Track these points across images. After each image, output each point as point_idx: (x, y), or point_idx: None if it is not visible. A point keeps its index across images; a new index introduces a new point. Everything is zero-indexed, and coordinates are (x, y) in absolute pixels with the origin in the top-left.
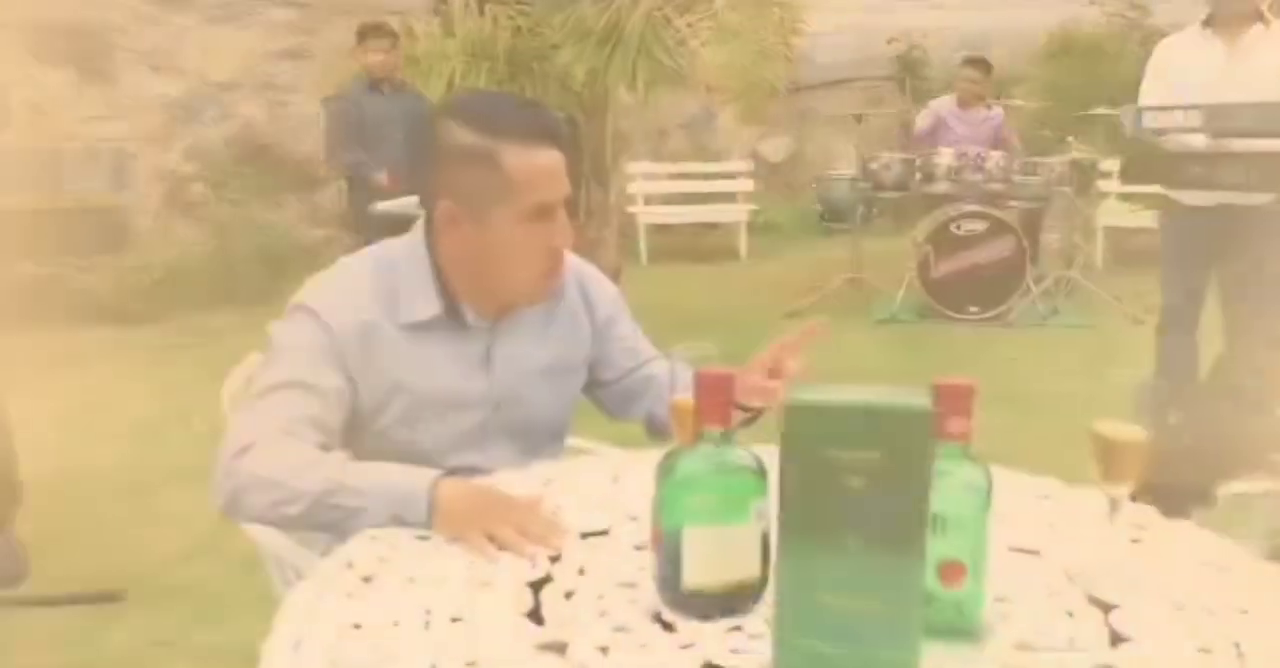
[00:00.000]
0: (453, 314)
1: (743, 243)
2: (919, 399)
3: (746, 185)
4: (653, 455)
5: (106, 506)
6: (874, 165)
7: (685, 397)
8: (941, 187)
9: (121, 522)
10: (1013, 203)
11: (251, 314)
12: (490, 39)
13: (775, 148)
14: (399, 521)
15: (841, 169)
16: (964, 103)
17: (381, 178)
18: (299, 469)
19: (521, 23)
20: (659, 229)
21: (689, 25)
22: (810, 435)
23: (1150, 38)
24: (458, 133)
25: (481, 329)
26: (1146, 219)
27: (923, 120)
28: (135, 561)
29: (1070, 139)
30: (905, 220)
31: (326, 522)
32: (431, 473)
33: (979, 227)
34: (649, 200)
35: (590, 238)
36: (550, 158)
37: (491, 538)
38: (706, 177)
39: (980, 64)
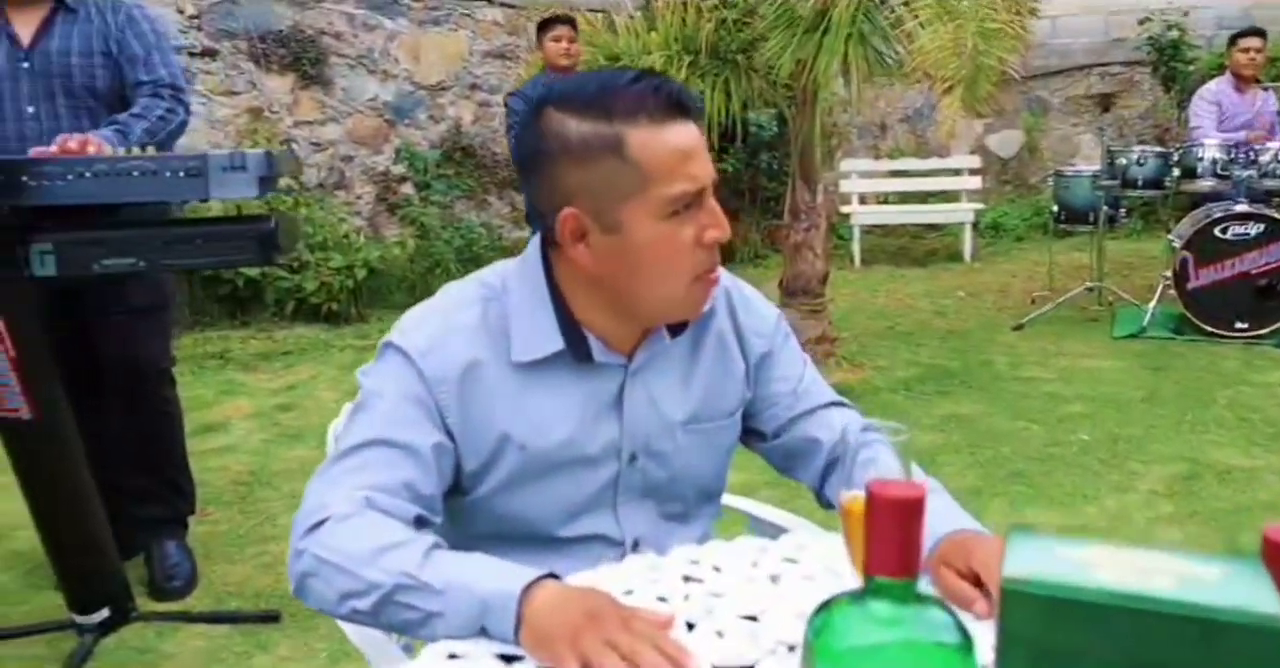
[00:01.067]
0: (577, 349)
1: (967, 245)
2: (1251, 591)
3: (973, 183)
4: (835, 543)
5: (281, 515)
6: (1122, 160)
7: (859, 495)
8: (1206, 183)
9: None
10: None
11: None
12: (693, 32)
13: (1005, 142)
14: (484, 631)
15: (1082, 164)
16: (1241, 83)
17: None
18: (373, 555)
19: (727, 14)
20: (874, 229)
21: (905, 3)
22: (1051, 645)
23: None
24: (570, 124)
25: (612, 367)
26: None
27: (1198, 108)
28: None
29: None
30: (1156, 222)
31: (399, 623)
32: (526, 575)
33: (1251, 229)
34: (865, 199)
35: (795, 242)
36: (686, 134)
37: None
38: (928, 174)
39: (1260, 34)
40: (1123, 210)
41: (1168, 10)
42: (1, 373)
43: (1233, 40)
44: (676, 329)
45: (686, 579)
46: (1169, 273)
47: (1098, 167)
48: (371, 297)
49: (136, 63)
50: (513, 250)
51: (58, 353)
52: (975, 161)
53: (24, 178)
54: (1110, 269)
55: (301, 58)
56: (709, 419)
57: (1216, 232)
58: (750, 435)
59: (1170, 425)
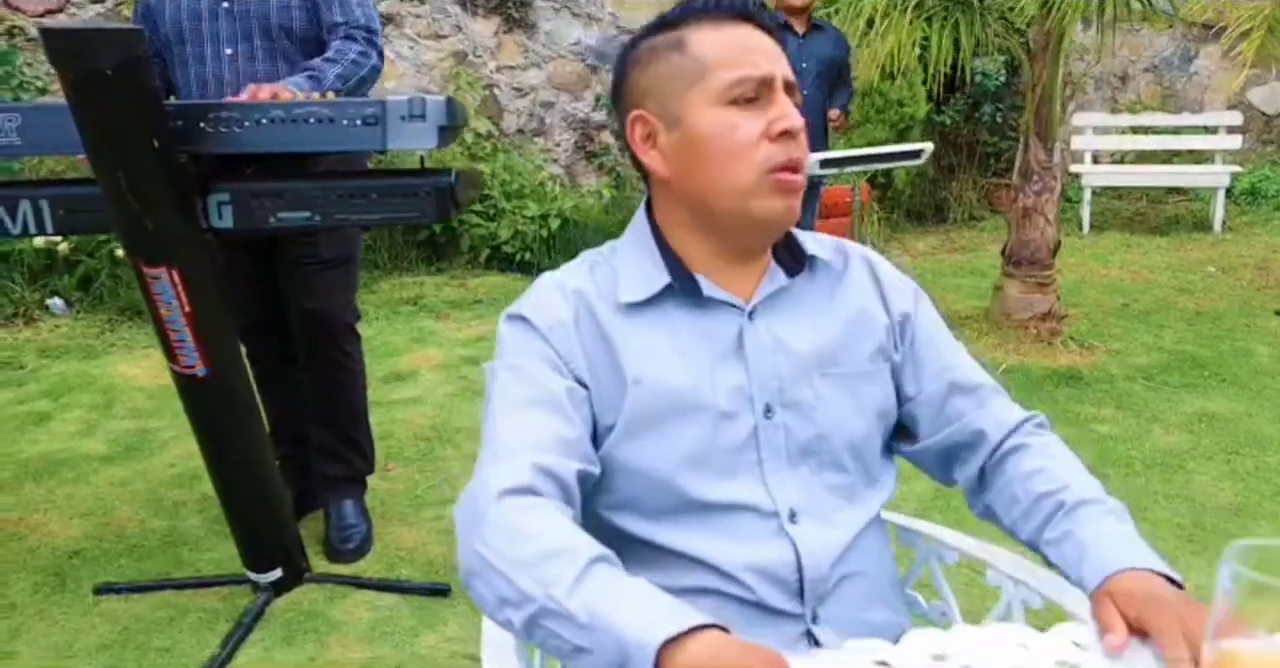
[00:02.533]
0: (686, 286)
1: (1218, 213)
2: None
3: (1231, 142)
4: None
5: (460, 477)
6: None
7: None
8: None
9: None
10: None
11: None
12: None
13: (1272, 96)
14: None
15: None
16: None
17: None
18: (533, 562)
19: None
20: (1106, 191)
21: None
22: None
23: None
24: (643, 43)
25: (727, 307)
26: None
27: None
28: None
29: None
30: None
31: (551, 649)
32: (674, 623)
33: None
34: (1098, 158)
35: (1024, 205)
36: (747, 33)
37: None
38: (1176, 131)
39: None
40: None
41: None
42: (177, 328)
43: None
44: (794, 270)
45: None
46: None
47: None
48: (565, 246)
49: (332, 3)
50: None
51: (256, 302)
52: (1235, 118)
53: (202, 125)
54: None
55: (507, 0)
56: (849, 363)
57: None
58: (902, 435)
59: None
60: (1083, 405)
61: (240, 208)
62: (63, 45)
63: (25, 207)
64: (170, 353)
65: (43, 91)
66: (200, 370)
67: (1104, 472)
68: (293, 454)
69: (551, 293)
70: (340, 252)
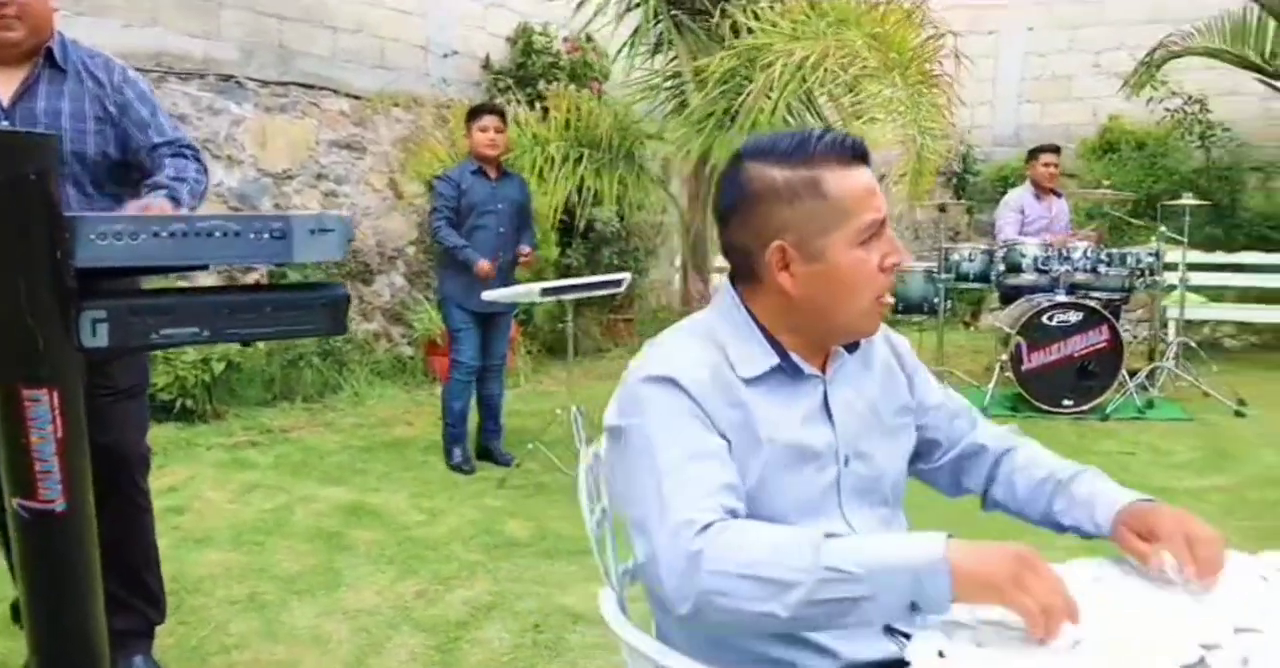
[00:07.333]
0: (788, 364)
1: None
2: None
3: None
4: None
5: (232, 621)
6: (955, 256)
7: None
8: (1028, 277)
9: (254, 639)
10: (1095, 293)
11: (314, 411)
12: (590, 123)
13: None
14: (912, 606)
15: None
16: (1041, 192)
17: (483, 265)
18: (774, 559)
19: (619, 109)
20: None
21: (848, 105)
22: None
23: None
24: (773, 172)
25: (813, 379)
26: (1218, 310)
27: (1004, 214)
28: None
29: (1162, 229)
30: (952, 313)
31: (821, 617)
32: (934, 539)
33: (1072, 317)
34: None
35: None
36: (867, 175)
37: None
38: None
39: (1056, 149)
40: (950, 302)
41: (957, 127)
42: (45, 458)
43: (1033, 154)
44: (851, 347)
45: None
46: (1005, 357)
47: (920, 263)
48: (228, 393)
49: (146, 126)
50: (364, 344)
51: None
52: None
53: (91, 236)
54: (947, 355)
55: None
56: (888, 417)
57: (1044, 319)
58: (927, 451)
59: None
60: None
61: (118, 325)
62: None
63: None
64: (28, 487)
65: None
66: (59, 505)
67: None
68: None
69: (688, 358)
70: (136, 380)
